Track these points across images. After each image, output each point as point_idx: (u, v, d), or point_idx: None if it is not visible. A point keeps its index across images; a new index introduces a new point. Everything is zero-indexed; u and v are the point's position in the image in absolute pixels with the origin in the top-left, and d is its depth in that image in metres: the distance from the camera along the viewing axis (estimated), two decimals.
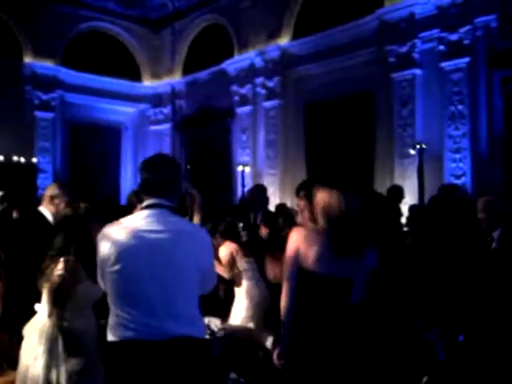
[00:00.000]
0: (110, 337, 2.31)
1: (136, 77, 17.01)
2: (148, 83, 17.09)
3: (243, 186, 12.91)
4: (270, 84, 13.42)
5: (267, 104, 13.52)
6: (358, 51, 11.46)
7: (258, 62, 13.60)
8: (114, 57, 16.28)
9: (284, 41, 13.19)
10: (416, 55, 10.67)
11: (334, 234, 2.71)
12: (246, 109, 13.98)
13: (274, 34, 13.31)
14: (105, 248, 2.34)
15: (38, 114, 14.44)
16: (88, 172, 14.91)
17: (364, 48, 11.42)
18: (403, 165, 10.59)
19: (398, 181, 9.93)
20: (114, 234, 2.35)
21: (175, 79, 16.56)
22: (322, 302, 2.70)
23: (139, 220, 2.38)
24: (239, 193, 12.95)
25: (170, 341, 2.23)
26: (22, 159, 13.35)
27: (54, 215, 4.04)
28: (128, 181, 16.68)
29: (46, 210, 4.17)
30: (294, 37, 13.08)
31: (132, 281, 2.28)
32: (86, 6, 15.24)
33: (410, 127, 10.64)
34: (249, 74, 13.81)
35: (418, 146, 10.14)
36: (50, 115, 14.66)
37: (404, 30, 10.74)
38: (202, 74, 15.47)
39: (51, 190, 4.27)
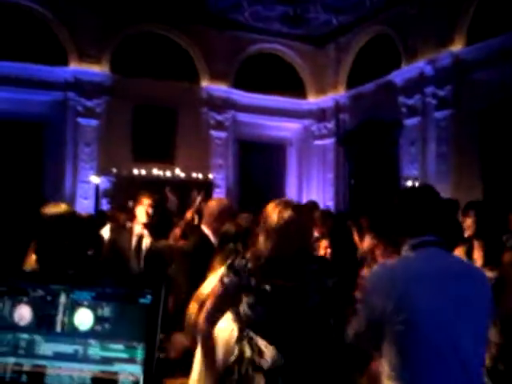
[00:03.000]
0: None
1: (301, 93, 17.43)
2: (312, 99, 17.41)
3: None
4: (442, 93, 12.73)
5: (438, 114, 12.80)
6: None
7: (428, 70, 13.00)
8: (280, 75, 16.89)
9: (457, 47, 12.44)
10: None
11: None
12: (415, 120, 13.42)
13: (444, 41, 12.63)
14: (382, 296, 1.95)
15: (214, 133, 15.58)
16: (256, 187, 15.61)
17: None
18: None
19: None
20: (393, 280, 1.97)
21: (339, 93, 16.62)
22: None
23: (422, 260, 2.02)
24: None
25: None
26: (200, 175, 14.46)
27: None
28: (293, 195, 17.09)
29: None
30: (468, 43, 12.27)
31: (432, 333, 1.91)
32: (255, 29, 16.08)
33: None
34: (418, 83, 13.26)
35: None
36: (223, 134, 15.73)
37: None
38: (367, 87, 15.27)
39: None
